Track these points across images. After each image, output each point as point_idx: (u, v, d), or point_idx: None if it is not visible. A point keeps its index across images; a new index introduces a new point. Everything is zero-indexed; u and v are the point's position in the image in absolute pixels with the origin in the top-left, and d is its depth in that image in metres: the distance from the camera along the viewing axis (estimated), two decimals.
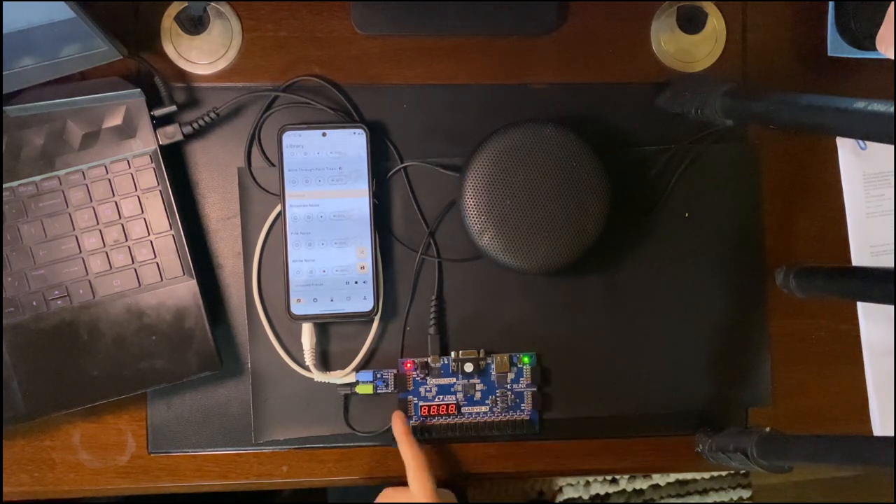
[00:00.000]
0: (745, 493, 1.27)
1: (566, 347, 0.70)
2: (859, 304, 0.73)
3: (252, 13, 0.70)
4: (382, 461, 0.69)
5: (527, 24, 0.71)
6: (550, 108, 0.71)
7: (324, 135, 0.67)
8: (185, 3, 0.68)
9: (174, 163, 0.68)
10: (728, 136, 0.72)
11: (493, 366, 0.69)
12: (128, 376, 0.65)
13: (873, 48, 0.67)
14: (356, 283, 0.67)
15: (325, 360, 0.69)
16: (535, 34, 0.71)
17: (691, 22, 0.72)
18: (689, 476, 1.26)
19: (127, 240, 0.65)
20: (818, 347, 0.73)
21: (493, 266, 0.68)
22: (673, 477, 1.25)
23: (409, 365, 0.69)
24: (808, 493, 1.30)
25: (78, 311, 0.65)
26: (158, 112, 0.66)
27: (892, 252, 0.73)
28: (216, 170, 0.69)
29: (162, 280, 0.65)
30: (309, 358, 0.67)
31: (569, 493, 1.22)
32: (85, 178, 0.65)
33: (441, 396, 0.69)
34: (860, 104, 0.49)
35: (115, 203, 0.65)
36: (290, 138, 0.67)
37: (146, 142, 0.65)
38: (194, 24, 0.69)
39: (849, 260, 0.73)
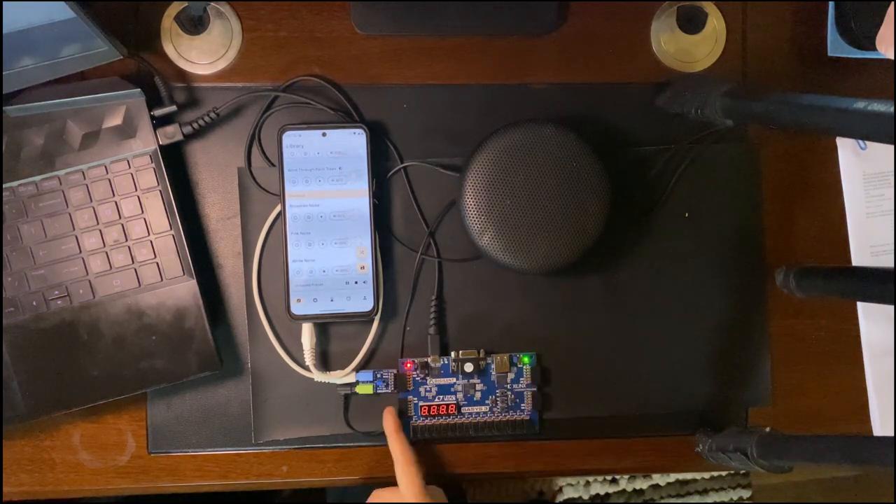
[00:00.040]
0: (745, 493, 1.27)
1: (566, 347, 0.70)
2: (859, 304, 0.73)
3: (252, 13, 0.70)
4: (382, 461, 0.69)
5: (527, 24, 0.71)
6: (550, 108, 0.71)
7: (324, 135, 0.67)
8: (185, 3, 0.68)
9: (174, 163, 0.68)
10: (728, 136, 0.72)
11: (493, 366, 0.69)
12: (128, 376, 0.65)
13: (873, 48, 0.67)
14: (356, 283, 0.67)
15: (325, 360, 0.69)
16: (535, 34, 0.71)
17: (691, 22, 0.72)
18: (689, 476, 1.26)
19: (127, 240, 0.65)
20: (818, 347, 0.73)
21: (493, 266, 0.68)
22: (673, 477, 1.25)
23: (409, 365, 0.69)
24: (808, 493, 1.30)
25: (78, 311, 0.65)
26: (158, 112, 0.66)
27: (892, 252, 0.73)
28: (216, 170, 0.69)
29: (162, 280, 0.65)
30: (309, 358, 0.67)
31: (569, 493, 1.22)
32: (85, 178, 0.65)
33: (441, 396, 0.69)
34: (860, 104, 0.49)
35: (115, 203, 0.65)
36: (290, 138, 0.67)
37: (146, 142, 0.65)
38: (194, 24, 0.69)
39: (849, 260, 0.73)
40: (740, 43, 0.73)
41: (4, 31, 0.56)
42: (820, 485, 1.29)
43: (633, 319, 0.71)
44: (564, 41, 0.72)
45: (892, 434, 0.72)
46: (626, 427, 0.71)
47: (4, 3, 0.53)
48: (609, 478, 1.23)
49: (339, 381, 0.68)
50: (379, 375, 0.68)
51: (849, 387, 0.73)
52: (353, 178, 0.67)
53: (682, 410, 0.71)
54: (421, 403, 0.69)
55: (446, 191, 0.69)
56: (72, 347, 0.64)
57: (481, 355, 0.69)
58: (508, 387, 0.69)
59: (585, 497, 1.23)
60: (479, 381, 0.69)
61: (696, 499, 1.26)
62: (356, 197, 0.67)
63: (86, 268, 0.65)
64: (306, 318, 0.67)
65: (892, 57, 0.58)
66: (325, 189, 0.67)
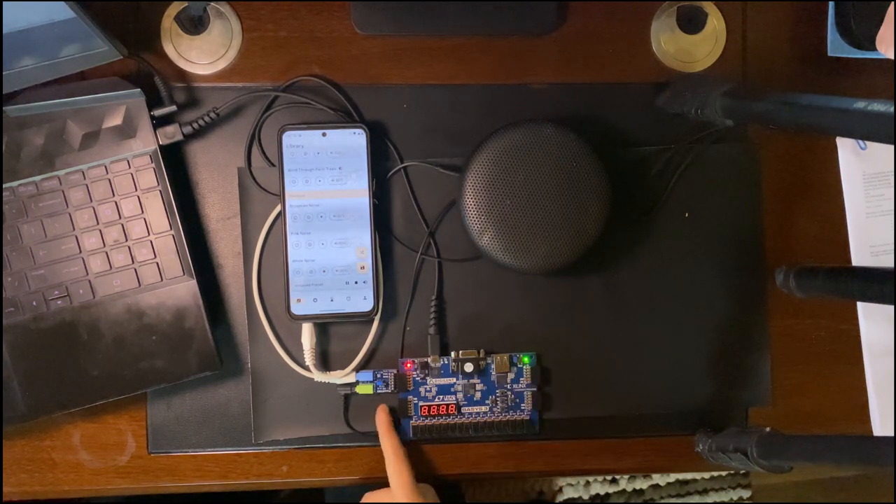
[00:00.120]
0: (745, 493, 1.27)
1: (566, 347, 0.70)
2: (859, 304, 0.73)
3: (252, 13, 0.70)
4: (382, 461, 0.69)
5: (527, 24, 0.71)
6: (550, 108, 0.71)
7: (324, 135, 0.67)
8: (185, 3, 0.68)
9: (174, 163, 0.68)
10: (728, 136, 0.72)
11: (493, 366, 0.69)
12: (128, 376, 0.65)
13: (873, 48, 0.67)
14: (356, 283, 0.67)
15: (325, 360, 0.69)
16: (535, 34, 0.71)
17: (691, 22, 0.72)
18: (689, 476, 1.26)
19: (127, 240, 0.65)
20: (818, 347, 0.73)
21: (493, 266, 0.68)
22: (673, 477, 1.25)
23: (409, 365, 0.69)
24: (808, 493, 1.30)
25: (78, 311, 0.65)
26: (158, 112, 0.66)
27: (892, 252, 0.73)
28: (216, 170, 0.69)
29: (162, 280, 0.65)
30: (309, 358, 0.67)
31: (569, 493, 1.22)
32: (85, 178, 0.65)
33: (441, 396, 0.69)
34: (860, 104, 0.49)
35: (115, 203, 0.65)
36: (290, 138, 0.67)
37: (146, 142, 0.65)
38: (194, 24, 0.69)
39: (849, 260, 0.73)
40: (740, 43, 0.73)
41: (4, 31, 0.56)
42: (820, 485, 1.29)
43: (633, 319, 0.71)
44: (564, 41, 0.72)
45: (892, 434, 0.72)
46: (626, 427, 0.71)
47: (4, 3, 0.53)
48: (609, 478, 1.23)
49: (339, 381, 0.68)
50: (379, 375, 0.68)
51: (849, 387, 0.73)
52: (353, 178, 0.67)
53: (682, 410, 0.71)
54: (421, 403, 0.69)
55: (446, 191, 0.69)
56: (72, 347, 0.64)
57: (481, 355, 0.69)
58: (508, 387, 0.69)
59: (585, 497, 1.23)
60: (479, 381, 0.69)
61: (696, 499, 1.26)
62: (356, 197, 0.67)
63: (86, 268, 0.65)
64: (306, 318, 0.67)
65: (892, 57, 0.58)
66: (325, 189, 0.67)
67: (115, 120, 0.65)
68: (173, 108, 0.66)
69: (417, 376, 0.69)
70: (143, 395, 0.68)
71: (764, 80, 0.73)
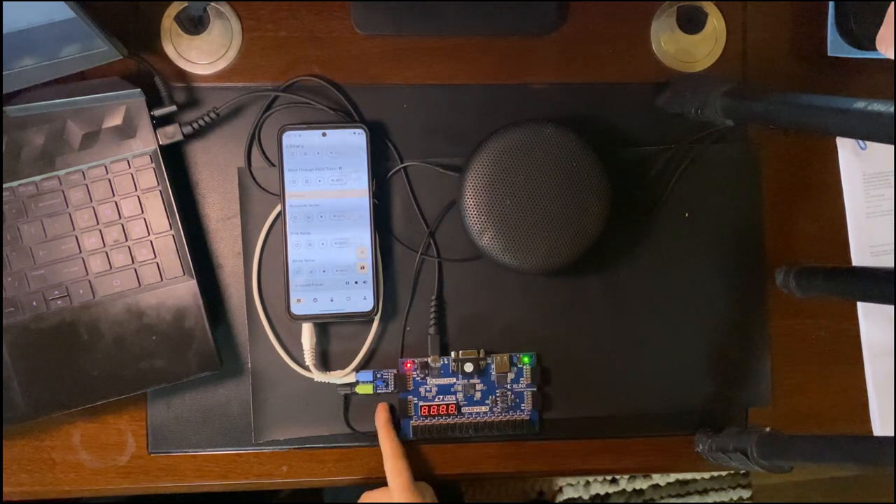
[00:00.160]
0: (745, 493, 1.27)
1: (566, 347, 0.70)
2: (859, 304, 0.73)
3: (252, 13, 0.70)
4: (382, 461, 0.69)
5: (527, 24, 0.71)
6: (550, 108, 0.71)
7: (324, 135, 0.67)
8: (185, 3, 0.68)
9: (174, 163, 0.68)
10: (728, 136, 0.72)
11: (493, 366, 0.69)
12: (128, 376, 0.65)
13: (873, 48, 0.67)
14: (356, 283, 0.67)
15: (325, 360, 0.69)
16: (535, 34, 0.71)
17: (691, 22, 0.72)
18: (689, 476, 1.26)
19: (127, 240, 0.65)
20: (818, 347, 0.73)
21: (493, 266, 0.68)
22: (673, 477, 1.25)
23: (409, 365, 0.69)
24: (808, 493, 1.30)
25: (78, 311, 0.65)
26: (158, 112, 0.66)
27: (892, 252, 0.73)
28: (216, 170, 0.69)
29: (162, 280, 0.65)
30: (309, 358, 0.67)
31: (569, 493, 1.22)
32: (85, 178, 0.65)
33: (441, 396, 0.69)
34: (860, 104, 0.49)
35: (115, 203, 0.65)
36: (290, 138, 0.67)
37: (146, 142, 0.65)
38: (194, 24, 0.69)
39: (849, 260, 0.73)
40: (740, 43, 0.73)
41: (4, 31, 0.56)
42: (820, 485, 1.29)
43: (633, 319, 0.71)
44: (564, 41, 0.72)
45: (892, 434, 0.72)
46: (626, 427, 0.71)
47: (4, 3, 0.53)
48: (609, 478, 1.23)
49: (339, 381, 0.68)
50: (379, 375, 0.68)
51: (849, 387, 0.73)
52: (353, 178, 0.67)
53: (682, 410, 0.71)
54: (421, 403, 0.69)
55: (446, 191, 0.69)
56: (72, 347, 0.64)
57: (481, 355, 0.69)
58: (508, 387, 0.69)
59: (585, 497, 1.23)
60: (479, 381, 0.69)
61: (696, 499, 1.26)
62: (356, 197, 0.67)
63: (86, 268, 0.65)
64: (306, 318, 0.67)
65: (892, 57, 0.58)
66: (325, 189, 0.67)
67: (115, 120, 0.65)
68: (173, 108, 0.66)
69: (417, 376, 0.69)
70: (143, 395, 0.68)
71: (764, 80, 0.73)
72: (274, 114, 0.69)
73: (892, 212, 0.73)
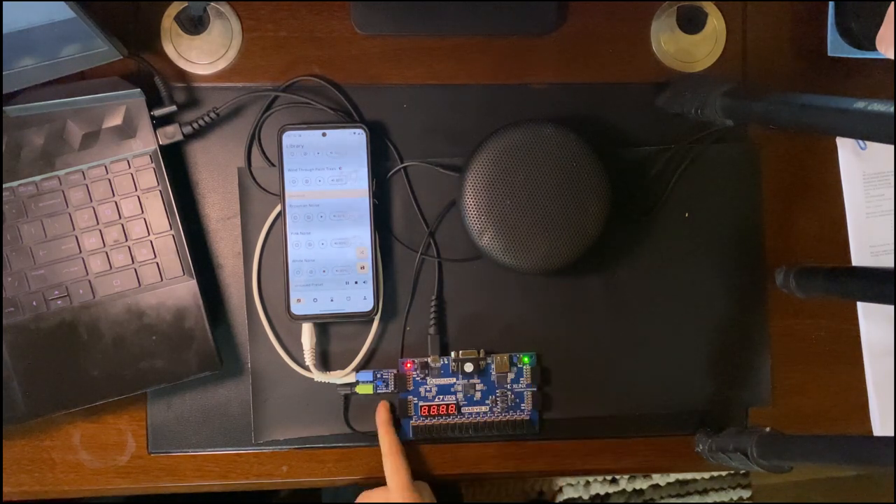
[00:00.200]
0: (745, 493, 1.27)
1: (566, 347, 0.70)
2: (859, 304, 0.73)
3: (252, 13, 0.70)
4: (382, 461, 0.69)
5: (527, 24, 0.71)
6: (550, 108, 0.71)
7: (324, 135, 0.67)
8: (185, 3, 0.68)
9: (174, 163, 0.68)
10: (728, 136, 0.72)
11: (493, 366, 0.69)
12: (128, 376, 0.65)
13: (873, 48, 0.67)
14: (356, 283, 0.67)
15: (325, 360, 0.69)
16: (535, 34, 0.71)
17: (691, 22, 0.72)
18: (689, 476, 1.26)
19: (127, 240, 0.65)
20: (818, 347, 0.73)
21: (493, 266, 0.68)
22: (673, 477, 1.25)
23: (409, 365, 0.69)
24: (808, 493, 1.30)
25: (78, 311, 0.65)
26: (158, 112, 0.66)
27: (892, 252, 0.73)
28: (216, 170, 0.69)
29: (162, 280, 0.65)
30: (309, 358, 0.67)
31: (569, 493, 1.22)
32: (85, 178, 0.65)
33: (441, 396, 0.69)
34: (860, 104, 0.49)
35: (115, 203, 0.65)
36: (290, 138, 0.67)
37: (146, 142, 0.65)
38: (194, 24, 0.69)
39: (849, 260, 0.73)
40: (740, 43, 0.73)
41: (4, 31, 0.56)
42: (820, 485, 1.29)
43: (633, 319, 0.71)
44: (564, 41, 0.72)
45: (892, 434, 0.72)
46: (626, 427, 0.71)
47: (4, 3, 0.53)
48: (609, 478, 1.23)
49: (339, 381, 0.68)
50: (379, 375, 0.68)
51: (849, 387, 0.73)
52: (353, 178, 0.67)
53: (682, 410, 0.71)
54: (421, 403, 0.69)
55: (446, 191, 0.69)
56: (72, 347, 0.64)
57: (481, 355, 0.69)
58: (508, 387, 0.69)
59: (585, 497, 1.23)
60: (479, 381, 0.69)
61: (696, 499, 1.26)
62: (356, 197, 0.67)
63: (86, 268, 0.65)
64: (306, 318, 0.67)
65: (892, 57, 0.58)
66: (325, 189, 0.67)
67: (115, 120, 0.65)
68: (173, 108, 0.66)
69: (417, 376, 0.69)
70: (143, 395, 0.68)
71: (764, 80, 0.73)
72: (274, 114, 0.69)
73: (892, 212, 0.73)
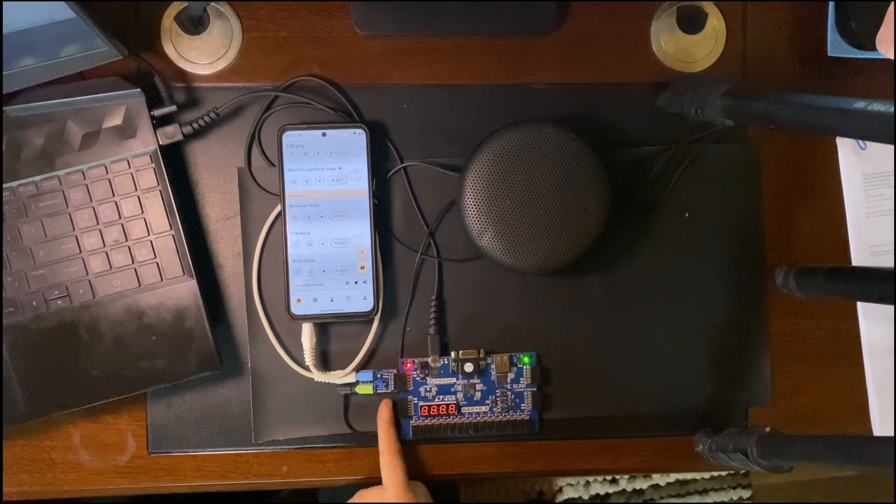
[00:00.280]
0: (745, 493, 1.27)
1: (566, 347, 0.70)
2: (859, 304, 0.73)
3: (252, 13, 0.70)
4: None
5: (527, 24, 0.71)
6: (550, 108, 0.71)
7: (324, 135, 0.67)
8: (185, 3, 0.68)
9: (174, 163, 0.68)
10: (728, 136, 0.72)
11: (493, 366, 0.69)
12: (128, 376, 0.65)
13: (873, 48, 0.67)
14: (356, 283, 0.67)
15: (325, 360, 0.69)
16: (535, 34, 0.71)
17: (691, 22, 0.72)
18: (689, 476, 1.26)
19: (127, 240, 0.65)
20: (818, 347, 0.73)
21: (493, 266, 0.68)
22: (673, 477, 1.25)
23: (409, 365, 0.69)
24: (808, 493, 1.30)
25: (78, 311, 0.65)
26: (158, 112, 0.66)
27: (892, 252, 0.73)
28: (216, 170, 0.69)
29: (162, 280, 0.65)
30: (309, 358, 0.67)
31: (569, 493, 1.22)
32: (85, 178, 0.65)
33: (441, 396, 0.69)
34: (860, 104, 0.49)
35: (115, 203, 0.65)
36: (290, 138, 0.67)
37: (146, 142, 0.65)
38: (194, 24, 0.69)
39: (849, 260, 0.73)
40: (740, 43, 0.73)
41: (4, 31, 0.56)
42: (820, 485, 1.30)
43: (633, 319, 0.71)
44: (564, 41, 0.72)
45: (892, 434, 0.72)
46: (626, 427, 0.71)
47: (4, 3, 0.53)
48: (609, 478, 1.23)
49: (339, 381, 0.68)
50: (379, 375, 0.68)
51: (849, 387, 0.73)
52: (353, 178, 0.67)
53: (682, 410, 0.71)
54: (421, 403, 0.69)
55: (446, 191, 0.69)
56: (72, 347, 0.64)
57: (481, 355, 0.69)
58: (508, 387, 0.69)
59: (585, 497, 1.23)
60: (479, 381, 0.69)
61: (696, 499, 1.26)
62: (356, 197, 0.67)
63: (86, 268, 0.65)
64: (306, 318, 0.67)
65: (892, 57, 0.58)
66: (325, 189, 0.67)
67: (115, 120, 0.65)
68: (173, 108, 0.66)
69: (417, 376, 0.69)
70: (143, 395, 0.68)
71: (764, 80, 0.73)
72: (274, 114, 0.69)
73: (892, 212, 0.73)
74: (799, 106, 0.55)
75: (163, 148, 0.66)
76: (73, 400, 0.64)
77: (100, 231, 0.65)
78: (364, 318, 0.68)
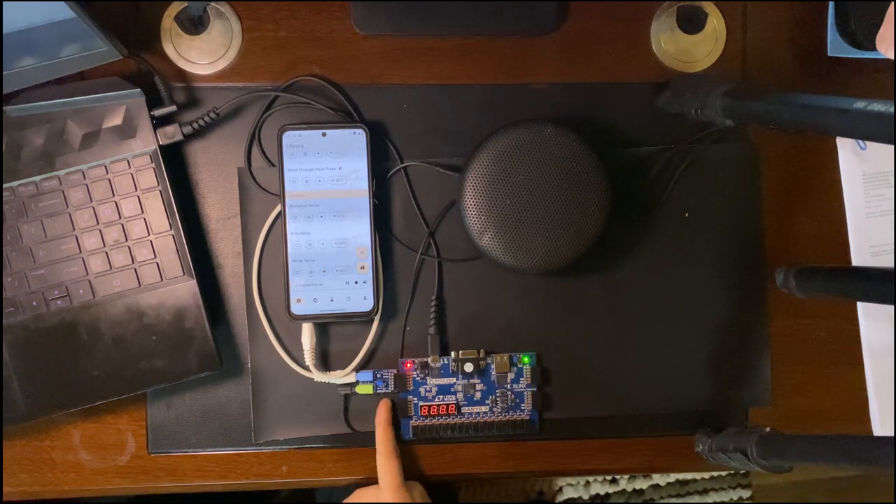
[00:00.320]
0: (745, 493, 1.27)
1: (566, 347, 0.70)
2: (859, 304, 0.73)
3: (252, 13, 0.70)
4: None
5: (527, 24, 0.71)
6: (550, 108, 0.71)
7: (324, 135, 0.67)
8: (185, 3, 0.68)
9: (174, 163, 0.68)
10: (728, 136, 0.72)
11: (493, 366, 0.69)
12: (128, 376, 0.65)
13: (873, 48, 0.67)
14: (356, 283, 0.67)
15: (325, 360, 0.69)
16: (535, 34, 0.71)
17: (691, 22, 0.72)
18: (689, 476, 1.26)
19: (127, 240, 0.65)
20: (818, 347, 0.73)
21: (493, 266, 0.68)
22: (673, 477, 1.25)
23: (409, 365, 0.69)
24: (808, 493, 1.30)
25: (78, 311, 0.65)
26: (158, 112, 0.66)
27: (892, 252, 0.73)
28: (216, 170, 0.69)
29: (162, 280, 0.65)
30: (309, 358, 0.67)
31: (569, 493, 1.22)
32: (85, 178, 0.65)
33: (441, 396, 0.69)
34: (860, 104, 0.49)
35: (115, 203, 0.65)
36: (290, 138, 0.67)
37: (146, 142, 0.65)
38: (194, 24, 0.69)
39: (849, 260, 0.73)
40: (740, 43, 0.73)
41: (4, 31, 0.56)
42: (820, 485, 1.30)
43: (633, 319, 0.71)
44: (564, 41, 0.72)
45: (892, 434, 0.72)
46: (626, 427, 0.71)
47: (4, 3, 0.53)
48: (609, 478, 1.23)
49: (339, 381, 0.68)
50: (379, 375, 0.68)
51: (849, 387, 0.73)
52: (353, 178, 0.67)
53: (682, 410, 0.71)
54: (421, 403, 0.69)
55: (446, 191, 0.69)
56: (72, 347, 0.64)
57: (481, 355, 0.69)
58: (508, 387, 0.69)
59: (585, 497, 1.23)
60: (479, 381, 0.69)
61: (696, 499, 1.26)
62: (356, 197, 0.67)
63: (86, 268, 0.65)
64: (306, 318, 0.67)
65: (892, 57, 0.58)
66: (325, 189, 0.67)
67: (115, 120, 0.65)
68: (173, 108, 0.66)
69: (417, 376, 0.69)
70: (143, 395, 0.68)
71: (764, 80, 0.73)
72: (274, 114, 0.69)
73: (892, 212, 0.73)
74: (799, 106, 0.55)
75: (163, 148, 0.66)
76: (73, 400, 0.64)
77: (100, 231, 0.65)
78: (364, 318, 0.68)
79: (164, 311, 0.65)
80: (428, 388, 0.69)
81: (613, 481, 1.23)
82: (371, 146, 0.67)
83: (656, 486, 1.25)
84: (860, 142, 0.73)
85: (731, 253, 0.72)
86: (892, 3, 0.58)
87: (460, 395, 0.69)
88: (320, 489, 0.95)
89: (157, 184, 0.65)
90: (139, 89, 0.65)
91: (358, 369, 0.69)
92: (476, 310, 0.70)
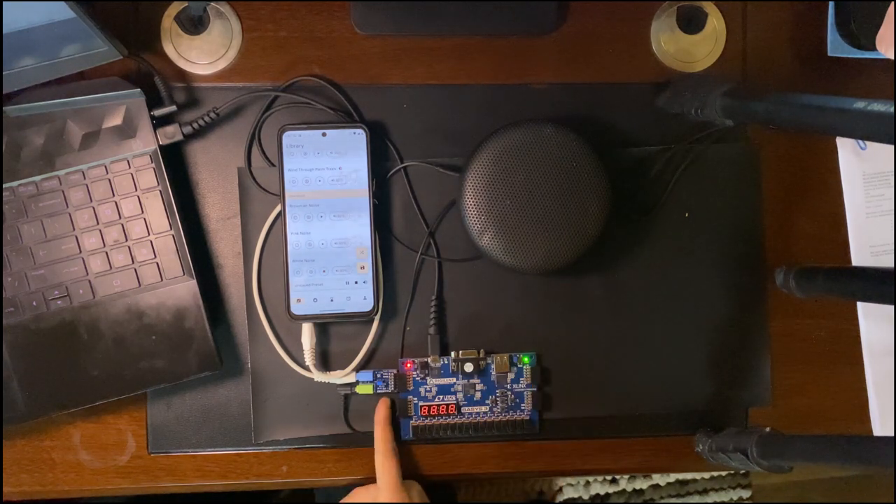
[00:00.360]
0: (745, 493, 1.27)
1: (566, 347, 0.70)
2: (859, 304, 0.73)
3: (252, 13, 0.70)
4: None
5: (527, 24, 0.71)
6: (550, 108, 0.71)
7: (324, 135, 0.67)
8: (185, 3, 0.68)
9: (174, 163, 0.68)
10: (728, 136, 0.72)
11: (493, 366, 0.69)
12: (128, 376, 0.65)
13: (873, 48, 0.67)
14: (356, 283, 0.67)
15: (325, 360, 0.69)
16: (535, 34, 0.71)
17: (691, 22, 0.72)
18: (689, 476, 1.26)
19: (127, 240, 0.65)
20: (818, 347, 0.73)
21: (493, 266, 0.68)
22: (673, 477, 1.25)
23: (409, 365, 0.69)
24: (808, 493, 1.30)
25: (78, 311, 0.65)
26: (158, 112, 0.66)
27: (892, 252, 0.73)
28: (216, 170, 0.69)
29: (162, 280, 0.65)
30: (309, 358, 0.67)
31: (569, 493, 1.22)
32: (85, 178, 0.65)
33: (441, 396, 0.69)
34: (860, 104, 0.49)
35: (115, 203, 0.65)
36: (290, 138, 0.67)
37: (146, 142, 0.65)
38: (194, 24, 0.69)
39: (849, 260, 0.73)
40: (740, 43, 0.73)
41: (4, 31, 0.56)
42: (820, 485, 1.29)
43: (633, 319, 0.71)
44: (564, 41, 0.72)
45: (892, 434, 0.72)
46: (626, 427, 0.71)
47: (4, 3, 0.53)
48: (609, 478, 1.23)
49: (339, 381, 0.68)
50: (379, 375, 0.68)
51: (849, 387, 0.73)
52: (353, 178, 0.67)
53: (682, 410, 0.71)
54: (421, 403, 0.69)
55: (446, 191, 0.69)
56: (72, 347, 0.64)
57: (481, 355, 0.69)
58: (508, 387, 0.69)
59: (585, 497, 1.23)
60: (479, 381, 0.69)
61: (696, 499, 1.26)
62: (356, 197, 0.67)
63: (86, 268, 0.65)
64: (306, 318, 0.67)
65: (892, 57, 0.58)
66: (325, 189, 0.67)
67: (115, 120, 0.65)
68: (173, 108, 0.66)
69: (417, 376, 0.69)
70: (143, 395, 0.68)
71: (764, 80, 0.73)
72: (274, 114, 0.69)
73: (892, 212, 0.73)
74: (799, 106, 0.55)
75: (163, 148, 0.66)
76: (73, 400, 0.64)
77: (100, 231, 0.65)
78: (364, 318, 0.68)
79: (164, 311, 0.65)
80: (428, 388, 0.69)
81: (613, 481, 1.23)
82: (371, 146, 0.67)
83: (656, 486, 1.25)
84: (860, 142, 0.73)
85: (731, 253, 0.72)
86: (892, 3, 0.58)
87: (460, 395, 0.69)
88: (320, 489, 0.95)
89: (157, 184, 0.65)
90: (139, 89, 0.65)
91: (358, 369, 0.69)
92: (476, 310, 0.70)
